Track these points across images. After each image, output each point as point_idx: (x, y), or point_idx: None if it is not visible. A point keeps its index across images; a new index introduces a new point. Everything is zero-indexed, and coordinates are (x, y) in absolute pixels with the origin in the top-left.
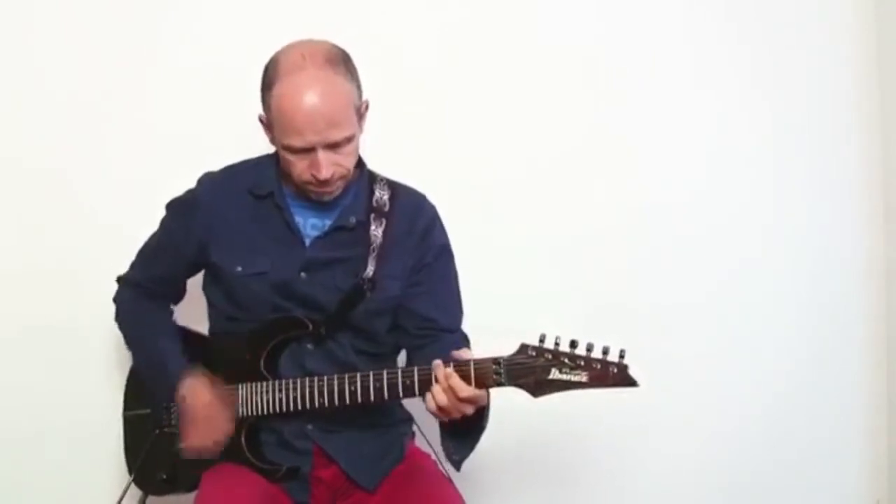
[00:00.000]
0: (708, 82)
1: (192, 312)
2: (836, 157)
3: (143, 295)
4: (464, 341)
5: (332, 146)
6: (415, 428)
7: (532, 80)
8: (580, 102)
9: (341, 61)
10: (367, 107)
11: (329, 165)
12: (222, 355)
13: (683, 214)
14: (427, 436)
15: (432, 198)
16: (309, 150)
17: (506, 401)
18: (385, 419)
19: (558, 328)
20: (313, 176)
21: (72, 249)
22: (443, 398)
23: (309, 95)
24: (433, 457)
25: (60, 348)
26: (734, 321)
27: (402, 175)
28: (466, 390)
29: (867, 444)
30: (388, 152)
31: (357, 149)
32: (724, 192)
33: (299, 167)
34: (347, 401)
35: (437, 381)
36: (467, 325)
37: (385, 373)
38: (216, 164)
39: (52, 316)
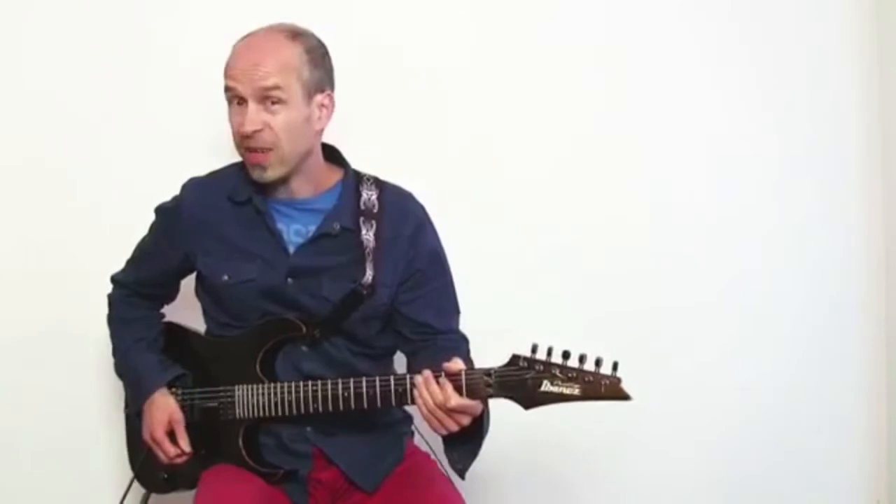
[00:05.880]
0: (708, 85)
1: (192, 313)
2: (837, 159)
3: (133, 296)
4: (461, 343)
5: (263, 101)
6: (414, 427)
7: (531, 83)
8: (579, 105)
9: (303, 39)
10: (329, 100)
11: (255, 120)
12: (219, 356)
13: (683, 218)
14: (426, 435)
15: (431, 199)
16: (243, 102)
17: (505, 402)
18: (384, 418)
19: (559, 331)
20: (242, 135)
21: (72, 250)
22: (431, 404)
23: (249, 39)
24: (433, 456)
25: (62, 348)
26: (735, 323)
27: (399, 176)
28: (455, 399)
29: (867, 445)
30: (386, 152)
31: (297, 128)
32: (724, 194)
33: (234, 125)
34: (342, 407)
35: (420, 391)
36: (466, 328)
37: (378, 380)
38: (215, 165)
39: (53, 317)
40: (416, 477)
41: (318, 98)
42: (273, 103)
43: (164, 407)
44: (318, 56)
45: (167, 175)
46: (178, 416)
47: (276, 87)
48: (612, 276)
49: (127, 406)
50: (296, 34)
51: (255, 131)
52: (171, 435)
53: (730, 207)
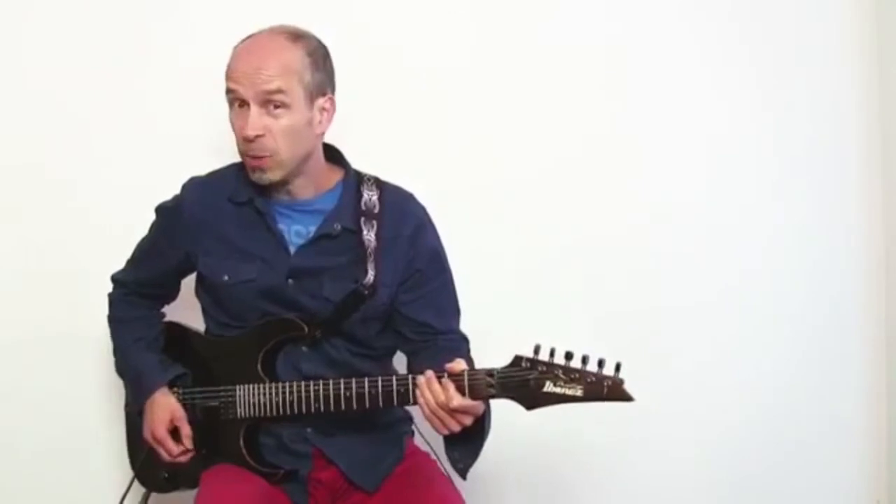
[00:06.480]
0: (708, 85)
1: (192, 313)
2: (837, 159)
3: (133, 295)
4: (462, 343)
5: (265, 105)
6: (414, 427)
7: (534, 83)
8: (579, 105)
9: (304, 41)
10: (331, 104)
11: (257, 125)
12: (220, 356)
13: (683, 218)
14: (426, 435)
15: (432, 199)
16: (245, 105)
17: (507, 403)
18: (384, 418)
19: (559, 331)
20: (244, 139)
21: (72, 250)
22: (433, 404)
23: (253, 44)
24: (433, 456)
25: (62, 348)
26: (735, 323)
27: (399, 176)
28: (457, 399)
29: (867, 445)
30: (386, 152)
31: (298, 132)
32: (724, 195)
33: (236, 128)
34: (343, 406)
35: (422, 391)
36: (466, 328)
37: (380, 380)
38: (215, 165)
39: (52, 317)
40: (416, 477)
41: (320, 101)
42: (275, 107)
43: (166, 405)
44: (320, 58)
45: (167, 175)
46: (181, 413)
47: (279, 91)
48: (612, 276)
49: (128, 404)
50: (297, 36)
51: (257, 136)
52: (174, 433)
53: (730, 207)
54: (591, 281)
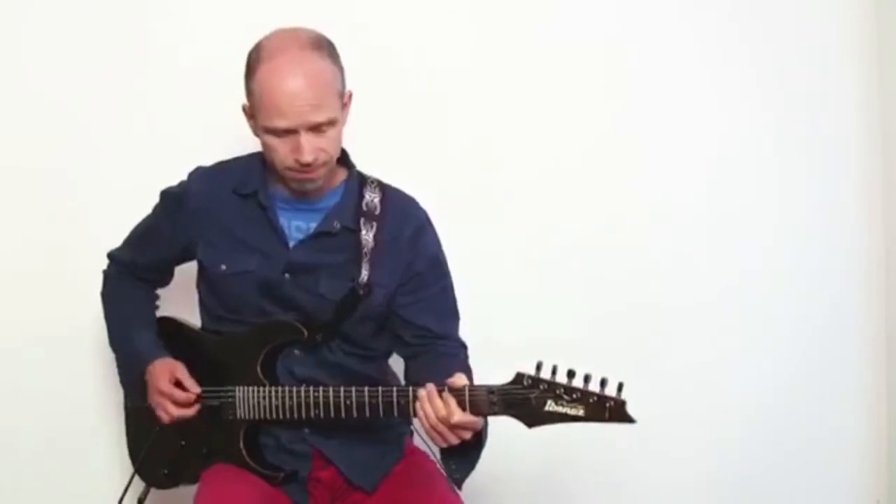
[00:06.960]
0: (708, 85)
1: (187, 307)
2: (837, 159)
3: (129, 275)
4: (460, 349)
5: (315, 129)
6: (413, 427)
7: (534, 83)
8: (579, 105)
9: (325, 46)
10: (350, 97)
11: (312, 149)
12: (220, 355)
13: (683, 218)
14: (425, 435)
15: (431, 199)
16: (292, 132)
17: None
18: (383, 419)
19: (559, 331)
20: (296, 161)
21: (72, 250)
22: (433, 419)
23: (292, 75)
24: (432, 456)
25: (62, 348)
26: (735, 323)
27: (399, 176)
28: (458, 415)
29: (867, 445)
30: (385, 153)
31: (340, 137)
32: (724, 194)
33: (282, 152)
34: (343, 415)
35: (422, 404)
36: (465, 328)
37: (380, 391)
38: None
39: (52, 317)
40: (415, 476)
41: (344, 99)
42: (325, 127)
43: (165, 364)
44: (337, 58)
45: (167, 175)
46: (180, 365)
47: (330, 120)
48: (612, 276)
49: (127, 401)
50: (317, 44)
51: (314, 158)
52: (178, 386)
53: (730, 207)
54: (591, 281)
